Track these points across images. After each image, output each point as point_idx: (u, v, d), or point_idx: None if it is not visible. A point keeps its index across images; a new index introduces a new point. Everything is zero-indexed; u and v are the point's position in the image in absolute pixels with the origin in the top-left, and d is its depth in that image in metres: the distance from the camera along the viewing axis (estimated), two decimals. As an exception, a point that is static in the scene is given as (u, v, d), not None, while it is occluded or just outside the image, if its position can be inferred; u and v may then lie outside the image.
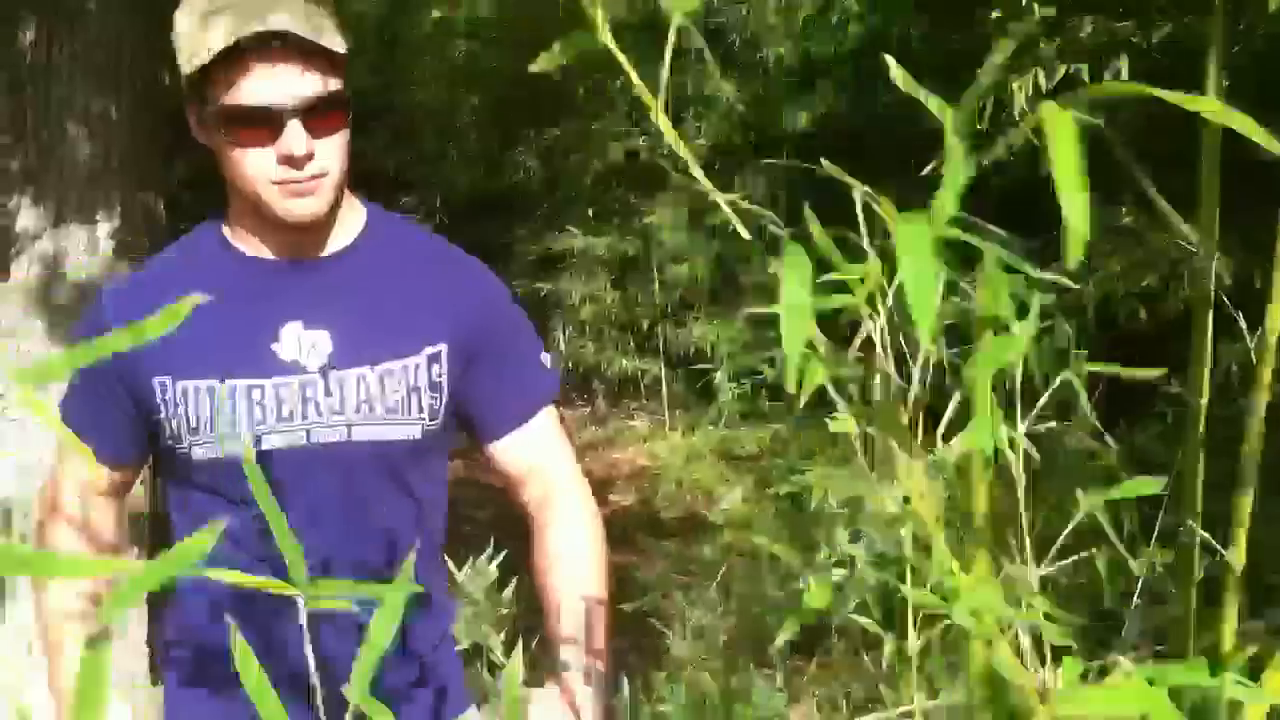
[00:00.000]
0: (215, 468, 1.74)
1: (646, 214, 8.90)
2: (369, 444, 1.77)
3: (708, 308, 9.16)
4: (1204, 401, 1.55)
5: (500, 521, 6.79)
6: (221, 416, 1.70)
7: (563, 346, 9.63)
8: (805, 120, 8.05)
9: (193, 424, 1.72)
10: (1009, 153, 5.98)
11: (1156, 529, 3.29)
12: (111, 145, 3.83)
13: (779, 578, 2.78)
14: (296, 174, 1.67)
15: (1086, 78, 5.34)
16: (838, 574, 2.86)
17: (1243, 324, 1.50)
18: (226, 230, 1.81)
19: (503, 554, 2.74)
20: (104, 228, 3.82)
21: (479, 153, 11.34)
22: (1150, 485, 1.40)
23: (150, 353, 1.64)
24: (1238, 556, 1.52)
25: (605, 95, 9.40)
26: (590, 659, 1.71)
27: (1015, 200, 6.50)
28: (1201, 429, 1.55)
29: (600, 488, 7.93)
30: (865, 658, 3.76)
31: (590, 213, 9.71)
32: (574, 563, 1.84)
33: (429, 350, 1.80)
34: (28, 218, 3.74)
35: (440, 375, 1.81)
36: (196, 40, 1.63)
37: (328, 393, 1.74)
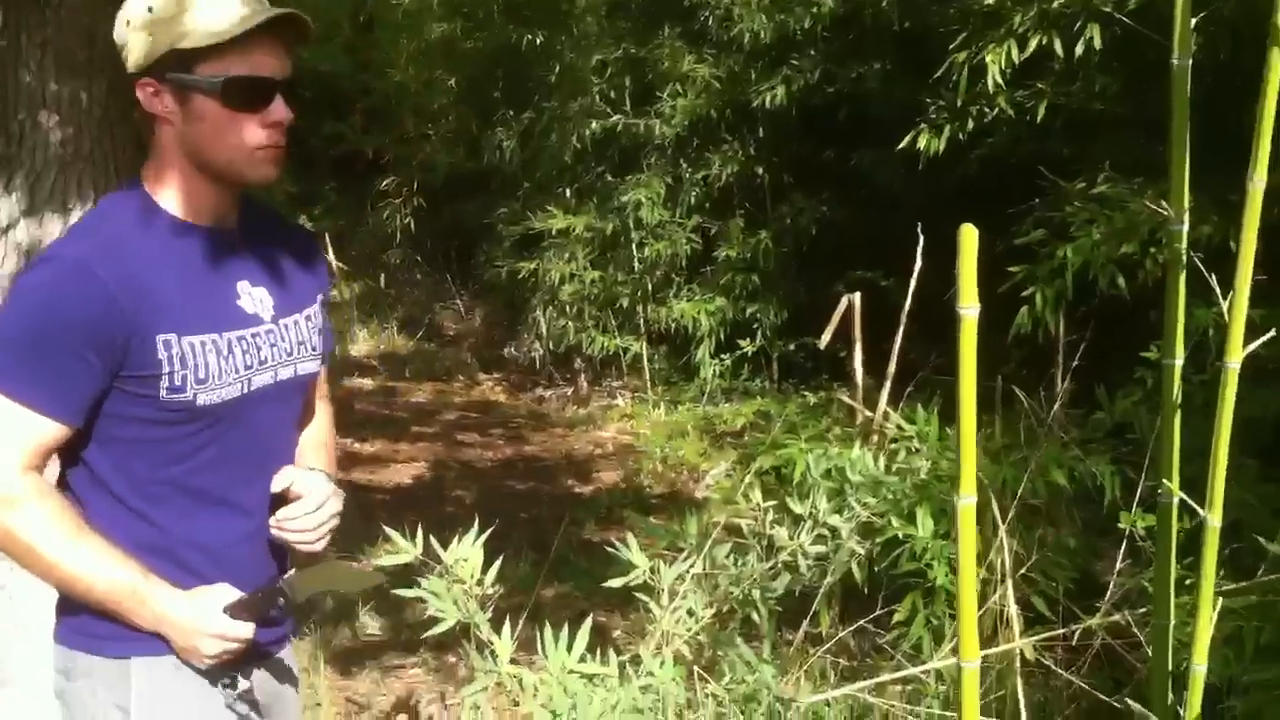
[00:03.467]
0: (212, 410, 1.96)
1: (625, 192, 8.89)
2: (303, 377, 2.14)
3: (687, 285, 9.17)
4: (1178, 363, 1.56)
5: (484, 502, 6.79)
6: (228, 365, 1.96)
7: (544, 326, 9.63)
8: (781, 95, 8.03)
9: (201, 375, 1.93)
10: (987, 124, 6.00)
11: (1138, 493, 3.32)
12: (83, 133, 3.80)
13: (764, 550, 2.79)
14: (278, 139, 1.96)
15: (1059, 49, 5.35)
16: (821, 547, 2.87)
17: (1215, 286, 1.52)
18: (157, 200, 1.99)
19: (486, 533, 2.75)
20: (77, 215, 3.79)
21: (457, 134, 11.31)
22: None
23: (150, 313, 1.88)
24: (1214, 515, 1.53)
25: (582, 75, 9.38)
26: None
27: (994, 170, 6.52)
28: (1177, 390, 1.56)
29: (585, 465, 7.93)
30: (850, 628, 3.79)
31: (569, 192, 9.70)
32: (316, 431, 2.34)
33: (320, 298, 2.22)
34: (0, 208, 3.72)
35: (320, 320, 2.21)
36: (212, 15, 1.87)
37: (282, 338, 2.08)
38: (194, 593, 1.96)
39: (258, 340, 2.02)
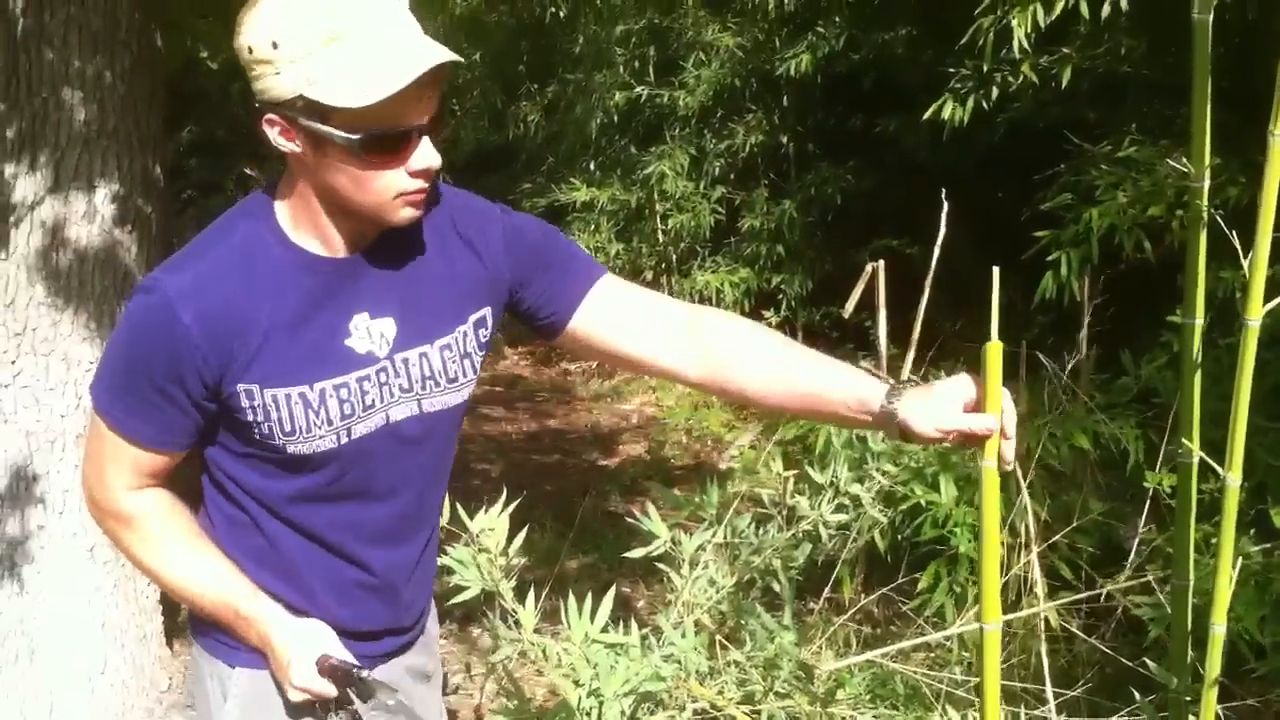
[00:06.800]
0: (308, 459, 1.83)
1: (649, 164, 8.86)
2: (436, 413, 1.92)
3: (712, 256, 9.15)
4: (1198, 322, 1.54)
5: (509, 475, 6.79)
6: (318, 418, 1.80)
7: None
8: (806, 63, 7.98)
9: (287, 428, 1.79)
10: (1013, 89, 5.94)
11: (1161, 456, 3.30)
12: (107, 110, 3.81)
13: (785, 519, 2.79)
14: (423, 184, 1.73)
15: (1086, 12, 5.29)
16: (842, 515, 2.86)
17: (1238, 245, 1.49)
18: (284, 227, 1.80)
19: (512, 505, 2.76)
20: (102, 193, 3.82)
21: (482, 108, 11.31)
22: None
23: (233, 361, 1.74)
24: (1235, 474, 1.51)
25: (606, 47, 9.35)
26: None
27: (1020, 135, 6.47)
28: (1197, 350, 1.54)
29: (610, 438, 7.94)
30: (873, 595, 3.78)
31: (593, 165, 9.68)
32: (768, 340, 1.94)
33: (474, 316, 1.92)
34: (25, 185, 3.73)
35: (486, 335, 1.95)
36: (352, 66, 1.61)
37: (398, 373, 1.85)
38: (299, 631, 1.88)
39: (364, 384, 1.83)
